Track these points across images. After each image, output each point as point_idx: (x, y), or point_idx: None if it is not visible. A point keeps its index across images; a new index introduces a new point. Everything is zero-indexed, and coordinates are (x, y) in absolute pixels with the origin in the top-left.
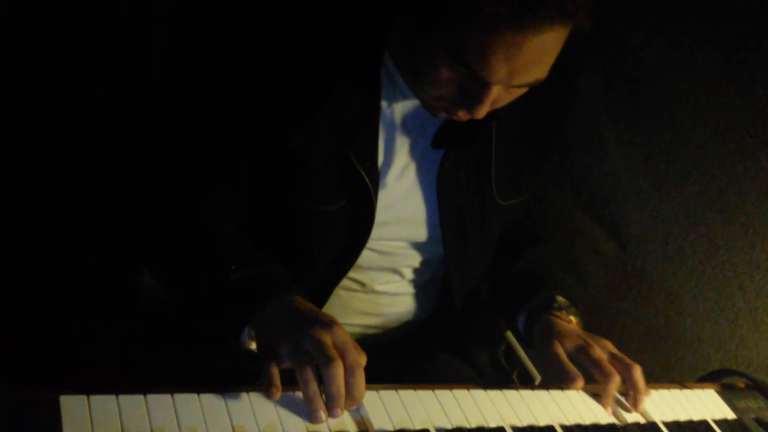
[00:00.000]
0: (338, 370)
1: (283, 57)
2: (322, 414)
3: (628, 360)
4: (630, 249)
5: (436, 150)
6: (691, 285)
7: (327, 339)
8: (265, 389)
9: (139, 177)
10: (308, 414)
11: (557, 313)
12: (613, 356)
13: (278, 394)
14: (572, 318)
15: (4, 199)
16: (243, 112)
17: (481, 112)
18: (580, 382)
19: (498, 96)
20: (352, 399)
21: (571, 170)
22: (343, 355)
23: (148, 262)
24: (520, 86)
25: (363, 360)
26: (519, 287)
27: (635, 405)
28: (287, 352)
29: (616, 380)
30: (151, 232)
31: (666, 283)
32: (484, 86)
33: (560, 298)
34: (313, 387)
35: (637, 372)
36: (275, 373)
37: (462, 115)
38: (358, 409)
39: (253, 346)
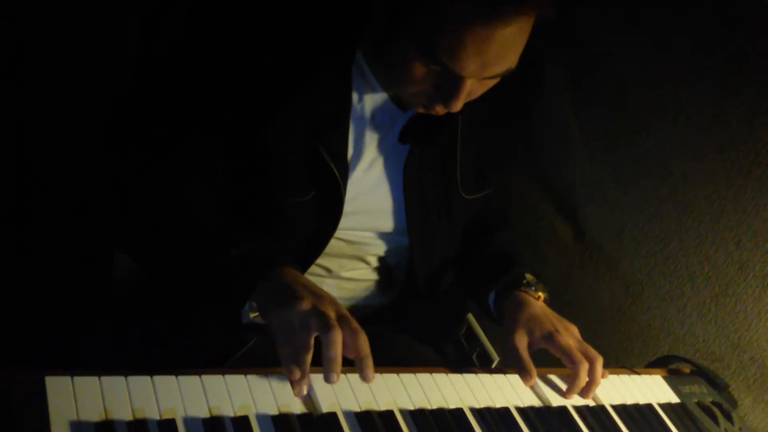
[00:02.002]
0: (337, 337)
1: (257, 50)
2: (335, 376)
3: (592, 351)
4: (588, 236)
5: (403, 145)
6: (644, 274)
7: (330, 311)
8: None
9: (117, 166)
10: (324, 375)
11: (526, 290)
12: (579, 344)
13: (301, 381)
14: (540, 294)
15: None
16: (216, 103)
17: (458, 105)
18: (532, 381)
19: (472, 88)
20: (360, 359)
21: (534, 160)
22: (343, 326)
23: (132, 250)
24: (492, 77)
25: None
26: (489, 267)
27: (586, 394)
28: (298, 325)
29: (585, 367)
30: (134, 220)
31: (621, 270)
32: (458, 81)
33: (529, 276)
34: (307, 356)
35: (598, 365)
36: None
37: (439, 110)
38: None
39: (252, 316)
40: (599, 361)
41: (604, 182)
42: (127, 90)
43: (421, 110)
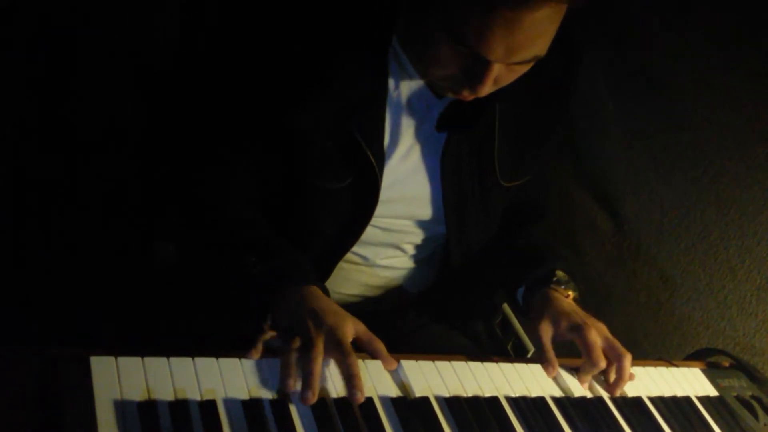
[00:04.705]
0: (315, 355)
1: (292, 39)
2: (291, 382)
3: (620, 349)
4: (626, 228)
5: (440, 132)
6: (684, 265)
7: (319, 336)
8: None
9: (162, 168)
10: (348, 391)
11: (555, 287)
12: (606, 341)
13: (256, 356)
14: (570, 292)
15: (34, 179)
16: (254, 95)
17: (484, 90)
18: (554, 372)
19: (500, 74)
20: (347, 378)
21: (573, 150)
22: (332, 349)
23: (174, 241)
24: (519, 63)
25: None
26: (520, 262)
27: (613, 391)
28: (281, 331)
29: (599, 368)
30: (178, 222)
31: (660, 262)
32: (485, 64)
33: (559, 273)
34: (291, 357)
35: (627, 362)
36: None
37: (466, 95)
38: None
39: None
40: (627, 359)
41: (643, 173)
42: (169, 90)
43: (450, 95)
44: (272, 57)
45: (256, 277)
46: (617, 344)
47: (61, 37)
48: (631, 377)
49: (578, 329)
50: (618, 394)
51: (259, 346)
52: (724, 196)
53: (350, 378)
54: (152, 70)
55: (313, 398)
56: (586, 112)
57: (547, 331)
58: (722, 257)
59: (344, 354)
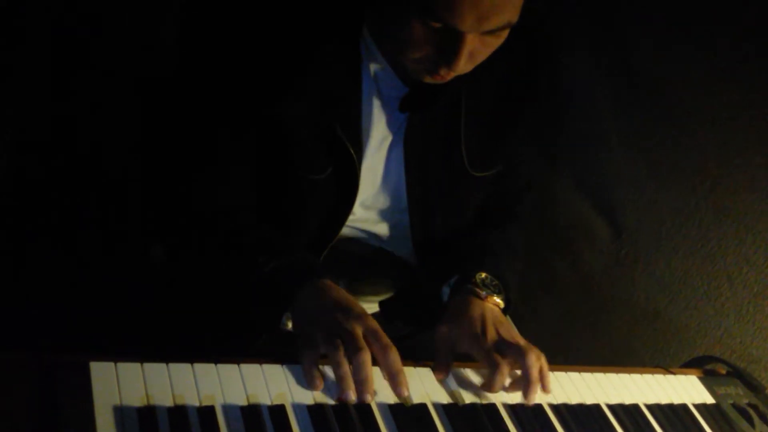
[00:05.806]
0: (366, 359)
1: (270, 30)
2: (351, 394)
3: (522, 346)
4: (625, 235)
5: (402, 113)
6: (681, 274)
7: (358, 329)
8: (309, 381)
9: (156, 172)
10: (339, 392)
11: (476, 290)
12: (505, 341)
13: (321, 385)
14: (495, 298)
15: (34, 181)
16: (237, 92)
17: (460, 65)
18: (440, 376)
19: (474, 48)
20: (392, 376)
21: (571, 158)
22: (373, 342)
23: (177, 254)
24: (492, 31)
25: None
26: (449, 262)
27: (525, 395)
28: (321, 340)
29: (499, 370)
30: (177, 228)
31: (657, 270)
32: (458, 37)
33: (482, 274)
34: (344, 368)
35: (530, 359)
36: (314, 366)
37: (444, 73)
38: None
39: (290, 326)
40: (530, 355)
41: (641, 181)
42: (162, 89)
43: (428, 79)
44: (251, 49)
45: (269, 276)
46: (520, 342)
47: (60, 36)
48: (544, 380)
49: (475, 338)
50: (531, 400)
51: (317, 373)
52: (722, 204)
53: (395, 375)
54: (152, 71)
55: (372, 398)
56: (584, 120)
57: (444, 334)
58: (720, 265)
59: (384, 347)
